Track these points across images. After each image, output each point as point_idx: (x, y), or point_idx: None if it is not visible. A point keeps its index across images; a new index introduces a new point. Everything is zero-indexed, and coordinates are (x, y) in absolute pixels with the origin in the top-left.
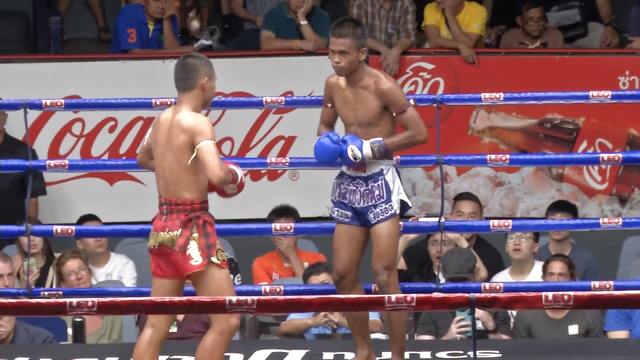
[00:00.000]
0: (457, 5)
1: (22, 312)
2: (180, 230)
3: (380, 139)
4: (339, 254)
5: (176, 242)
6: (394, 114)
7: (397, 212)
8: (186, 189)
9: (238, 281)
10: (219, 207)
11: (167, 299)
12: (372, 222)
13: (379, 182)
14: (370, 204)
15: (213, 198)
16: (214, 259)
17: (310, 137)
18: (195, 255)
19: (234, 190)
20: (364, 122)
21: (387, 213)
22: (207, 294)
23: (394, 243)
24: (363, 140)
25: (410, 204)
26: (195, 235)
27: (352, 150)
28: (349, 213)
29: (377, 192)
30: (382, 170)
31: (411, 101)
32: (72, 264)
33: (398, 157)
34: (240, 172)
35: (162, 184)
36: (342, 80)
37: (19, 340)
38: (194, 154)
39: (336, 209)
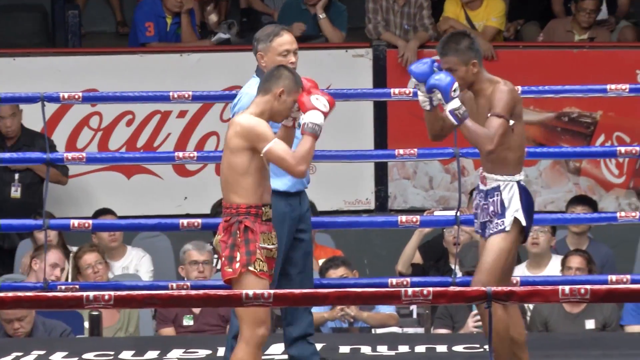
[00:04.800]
0: None
1: (40, 306)
2: (222, 234)
3: (466, 110)
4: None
5: (219, 246)
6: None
7: (507, 229)
8: (233, 192)
9: None
10: None
11: (183, 292)
12: (485, 237)
13: (494, 198)
14: (486, 219)
15: None
16: (251, 268)
17: (327, 129)
18: (231, 261)
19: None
20: None
21: (496, 228)
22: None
23: (498, 259)
24: (457, 89)
25: (524, 223)
26: (239, 240)
27: (440, 77)
28: (477, 226)
29: (491, 209)
30: (499, 186)
31: (511, 122)
32: (90, 258)
33: (521, 175)
34: (324, 98)
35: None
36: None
37: (37, 334)
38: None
39: (475, 220)
